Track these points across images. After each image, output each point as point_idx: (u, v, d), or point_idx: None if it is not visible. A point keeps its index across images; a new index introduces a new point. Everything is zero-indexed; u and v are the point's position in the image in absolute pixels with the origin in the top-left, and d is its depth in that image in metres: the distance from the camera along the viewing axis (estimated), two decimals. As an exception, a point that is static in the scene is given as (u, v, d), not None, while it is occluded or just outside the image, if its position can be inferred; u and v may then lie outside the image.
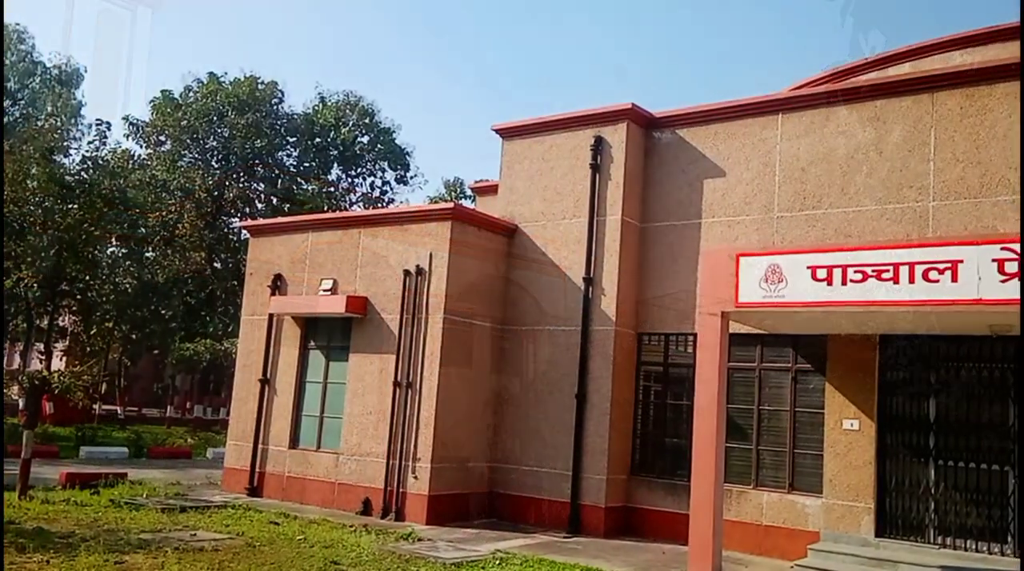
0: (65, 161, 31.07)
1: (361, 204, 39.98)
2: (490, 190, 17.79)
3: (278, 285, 15.94)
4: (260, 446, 15.57)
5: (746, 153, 13.22)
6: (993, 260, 8.91)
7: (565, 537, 12.76)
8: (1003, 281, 8.82)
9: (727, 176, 13.35)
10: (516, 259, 14.81)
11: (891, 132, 12.03)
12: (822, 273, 9.85)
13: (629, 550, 11.99)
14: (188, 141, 34.95)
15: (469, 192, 38.99)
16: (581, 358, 13.69)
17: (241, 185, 35.89)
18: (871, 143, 12.16)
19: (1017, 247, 8.83)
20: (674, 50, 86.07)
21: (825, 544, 11.40)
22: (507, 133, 15.39)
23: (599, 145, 14.13)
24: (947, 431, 11.23)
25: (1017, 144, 11.07)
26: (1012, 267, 8.78)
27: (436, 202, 39.71)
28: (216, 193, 35.10)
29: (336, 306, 14.57)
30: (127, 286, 31.92)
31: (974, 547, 10.79)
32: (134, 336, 34.50)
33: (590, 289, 13.83)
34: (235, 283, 32.47)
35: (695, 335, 12.55)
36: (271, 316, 15.86)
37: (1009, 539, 10.61)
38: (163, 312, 32.63)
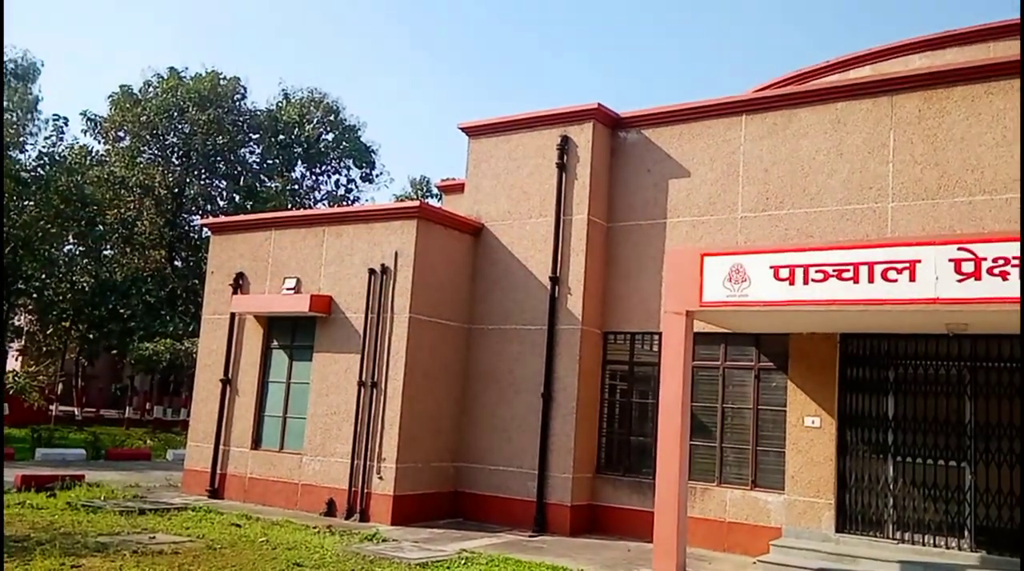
0: (21, 157, 30.40)
1: (326, 202, 39.67)
2: (456, 188, 17.75)
3: (240, 284, 15.73)
4: (221, 447, 15.35)
5: (710, 154, 13.34)
6: (950, 260, 9.08)
7: (531, 536, 12.77)
8: (960, 281, 9.00)
9: (692, 176, 13.45)
10: (482, 258, 14.79)
11: (852, 134, 12.22)
12: (784, 273, 9.96)
13: (594, 548, 12.03)
14: (148, 137, 34.36)
15: (436, 190, 38.90)
16: (547, 357, 13.70)
17: (202, 182, 35.41)
18: (832, 145, 12.34)
19: (974, 247, 9.01)
20: (640, 50, 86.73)
21: (787, 540, 11.56)
22: (473, 132, 15.35)
23: (565, 144, 14.16)
24: (905, 428, 11.45)
25: (974, 147, 11.31)
26: (969, 267, 8.96)
27: (402, 200, 39.56)
28: (176, 190, 34.59)
29: (300, 305, 14.43)
30: (84, 285, 31.33)
31: (932, 542, 11.01)
32: (92, 336, 33.85)
33: (556, 288, 13.85)
34: (196, 282, 32.04)
35: (660, 334, 12.66)
36: (233, 315, 15.65)
37: (966, 534, 10.84)
38: (122, 311, 32.04)
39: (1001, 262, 8.80)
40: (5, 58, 36.34)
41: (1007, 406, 10.83)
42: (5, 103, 33.05)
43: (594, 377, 13.88)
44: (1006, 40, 14.31)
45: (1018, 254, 8.72)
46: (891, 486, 11.41)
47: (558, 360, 13.68)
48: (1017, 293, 8.68)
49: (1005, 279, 8.76)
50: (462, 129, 15.46)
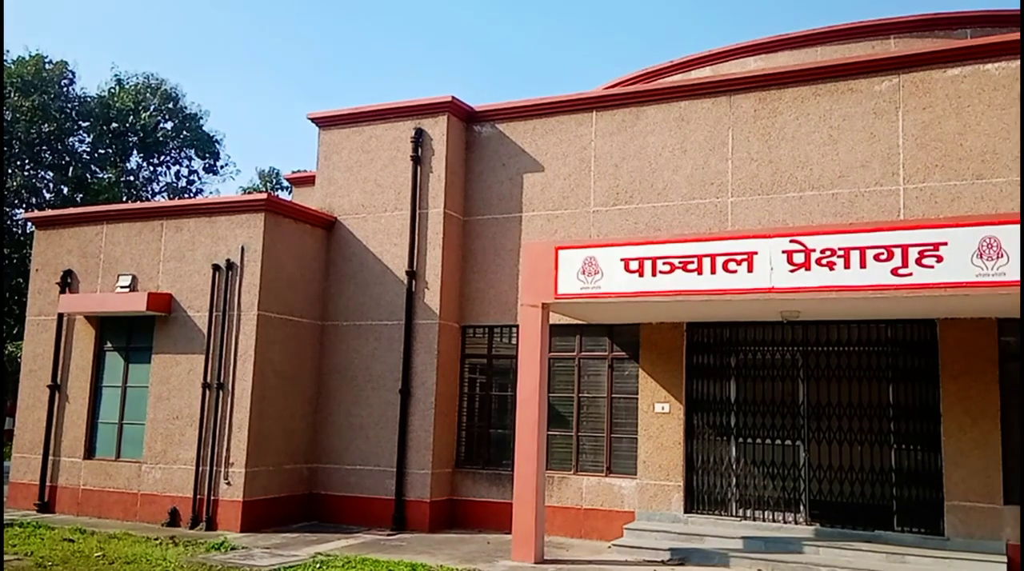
0: None
1: (165, 194, 37.56)
2: (308, 181, 17.25)
3: (68, 282, 14.58)
4: (51, 458, 14.20)
5: (563, 149, 13.56)
6: (783, 251, 9.67)
7: (389, 535, 12.58)
8: (792, 271, 9.60)
9: (545, 171, 13.63)
10: (336, 253, 14.40)
11: (694, 131, 12.75)
12: (634, 265, 10.29)
13: (454, 543, 11.99)
14: (-39, 123, 31.33)
15: (286, 183, 37.60)
16: (405, 352, 13.52)
17: (26, 173, 32.64)
18: (677, 141, 12.83)
19: (804, 240, 9.63)
20: (492, 44, 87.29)
21: (639, 523, 11.97)
22: (324, 122, 14.90)
23: (419, 137, 14.00)
24: (746, 411, 12.11)
25: (804, 145, 12.06)
26: (799, 258, 9.57)
27: (249, 193, 38.02)
28: (-4, 181, 31.71)
29: (136, 304, 13.52)
30: None
31: (771, 517, 11.70)
32: (-103, 341, 30.52)
33: (413, 283, 13.68)
34: (20, 281, 29.61)
35: (518, 326, 12.77)
36: (61, 316, 14.48)
37: (801, 508, 11.59)
38: (-67, 314, 29.07)
39: (828, 253, 9.45)
40: None
41: (836, 387, 11.65)
42: None
43: (453, 371, 13.83)
44: (832, 45, 15.44)
45: (844, 246, 9.39)
46: (734, 466, 12.04)
47: (416, 355, 13.53)
48: (842, 282, 9.34)
49: (832, 269, 9.42)
50: (312, 119, 14.96)
